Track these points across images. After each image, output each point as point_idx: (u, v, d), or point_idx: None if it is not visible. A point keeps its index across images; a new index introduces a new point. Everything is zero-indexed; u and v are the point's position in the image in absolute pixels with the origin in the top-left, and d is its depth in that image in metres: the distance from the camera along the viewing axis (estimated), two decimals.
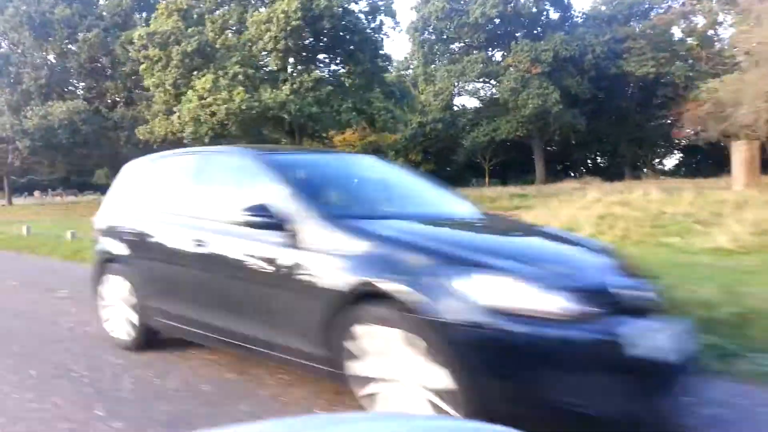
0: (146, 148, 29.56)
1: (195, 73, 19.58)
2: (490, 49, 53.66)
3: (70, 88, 31.95)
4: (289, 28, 17.56)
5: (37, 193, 58.85)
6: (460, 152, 67.66)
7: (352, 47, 19.69)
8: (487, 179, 58.05)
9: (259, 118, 18.96)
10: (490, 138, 49.95)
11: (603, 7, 51.95)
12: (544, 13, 51.71)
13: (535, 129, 48.66)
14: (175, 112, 20.29)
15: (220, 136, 20.56)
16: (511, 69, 47.56)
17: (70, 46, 30.69)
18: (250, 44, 19.19)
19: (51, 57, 29.86)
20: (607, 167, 61.21)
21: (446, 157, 67.08)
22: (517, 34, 50.96)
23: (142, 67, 21.78)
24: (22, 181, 54.36)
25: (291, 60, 19.04)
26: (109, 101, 30.23)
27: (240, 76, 19.01)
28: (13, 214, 32.46)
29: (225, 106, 17.96)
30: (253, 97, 18.19)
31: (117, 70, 28.98)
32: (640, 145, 56.95)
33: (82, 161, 31.62)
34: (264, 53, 19.10)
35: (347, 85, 20.29)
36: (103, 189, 67.67)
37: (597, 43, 46.36)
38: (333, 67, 20.39)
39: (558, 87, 44.86)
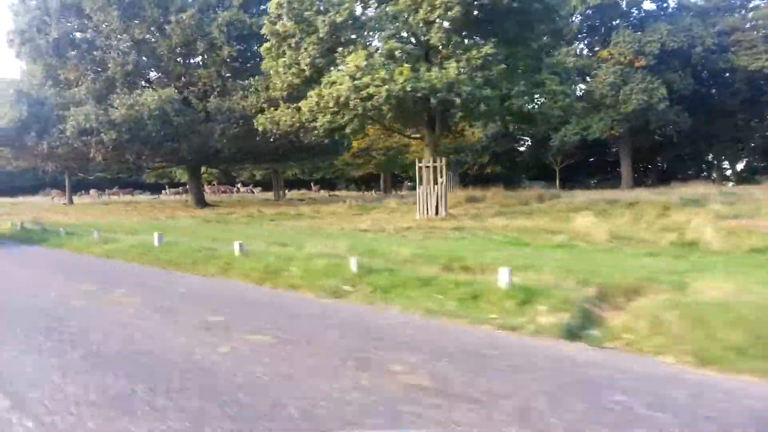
0: (248, 141, 26.44)
1: (340, 50, 16.26)
2: (575, 41, 49.70)
3: (155, 75, 29.07)
4: None
5: (93, 191, 57.00)
6: (525, 153, 64.33)
7: (523, 18, 16.15)
8: (557, 182, 54.23)
9: (419, 103, 15.52)
10: (581, 137, 45.87)
11: None
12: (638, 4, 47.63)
13: (628, 128, 44.59)
14: (309, 97, 16.93)
15: (358, 128, 17.23)
16: (602, 63, 43.60)
17: (152, 30, 27.87)
18: (405, 15, 15.76)
19: (138, 41, 26.98)
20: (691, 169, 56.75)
21: (510, 157, 63.77)
22: (603, 26, 47.14)
23: (266, 45, 18.54)
24: (90, 179, 52.37)
25: (454, 33, 15.49)
26: (199, 90, 27.20)
27: (397, 53, 15.60)
28: (85, 213, 29.69)
29: (386, 87, 14.53)
30: (416, 76, 14.74)
31: (211, 56, 25.94)
32: (739, 146, 52.55)
33: (169, 156, 28.66)
34: (422, 25, 15.61)
35: (516, 63, 16.66)
36: (153, 189, 65.59)
37: (707, 34, 41.97)
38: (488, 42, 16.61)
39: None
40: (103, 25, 26.33)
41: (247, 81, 25.84)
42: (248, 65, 28.41)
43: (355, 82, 14.95)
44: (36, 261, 11.86)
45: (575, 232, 12.07)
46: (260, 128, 19.55)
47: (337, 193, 55.32)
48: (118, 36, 26.27)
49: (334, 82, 16.01)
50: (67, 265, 11.18)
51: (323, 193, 54.76)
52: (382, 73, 14.73)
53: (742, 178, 50.83)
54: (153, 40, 26.88)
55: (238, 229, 17.89)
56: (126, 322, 5.97)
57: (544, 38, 16.68)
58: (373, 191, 53.48)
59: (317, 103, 16.36)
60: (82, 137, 24.96)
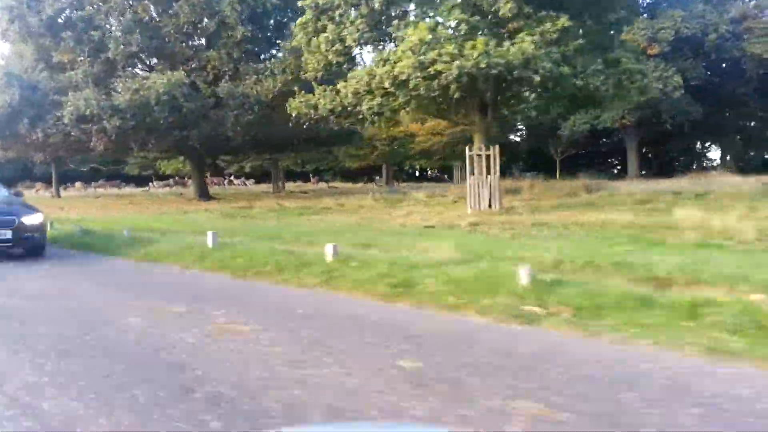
0: (264, 129, 24.38)
1: (395, 22, 14.40)
2: None
3: (159, 58, 26.68)
4: None
5: (78, 184, 54.20)
6: (521, 143, 63.30)
7: None
8: (557, 172, 53.07)
9: (492, 81, 13.72)
10: (590, 126, 44.72)
11: None
12: None
13: (638, 118, 43.48)
14: (352, 78, 15.03)
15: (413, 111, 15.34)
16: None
17: (156, 8, 25.59)
18: None
19: (141, 20, 24.63)
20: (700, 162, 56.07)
21: (508, 148, 62.47)
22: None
23: (301, 20, 16.59)
24: (82, 170, 49.75)
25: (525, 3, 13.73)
26: (208, 74, 24.98)
27: (462, 26, 13.79)
28: (82, 208, 27.30)
29: (456, 63, 12.70)
30: (487, 50, 12.93)
31: (222, 36, 23.74)
32: (748, 137, 51.89)
33: (177, 145, 26.40)
34: None
35: (587, 39, 14.95)
36: (137, 181, 62.68)
37: (720, 21, 40.97)
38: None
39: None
40: (102, 3, 23.94)
41: (261, 64, 23.72)
42: (257, 48, 26.34)
43: (420, 58, 13.07)
44: (75, 270, 9.62)
45: (699, 228, 10.42)
46: (294, 113, 17.54)
47: (336, 185, 53.30)
48: (119, 15, 23.88)
49: (387, 60, 14.12)
50: (119, 274, 9.09)
51: (322, 185, 52.72)
52: (451, 48, 12.88)
53: (740, 169, 50.19)
54: (158, 19, 24.58)
55: (275, 224, 15.92)
56: (285, 371, 4.07)
57: (621, 11, 15.06)
58: (374, 183, 51.46)
59: (368, 84, 14.45)
60: (82, 125, 22.64)
